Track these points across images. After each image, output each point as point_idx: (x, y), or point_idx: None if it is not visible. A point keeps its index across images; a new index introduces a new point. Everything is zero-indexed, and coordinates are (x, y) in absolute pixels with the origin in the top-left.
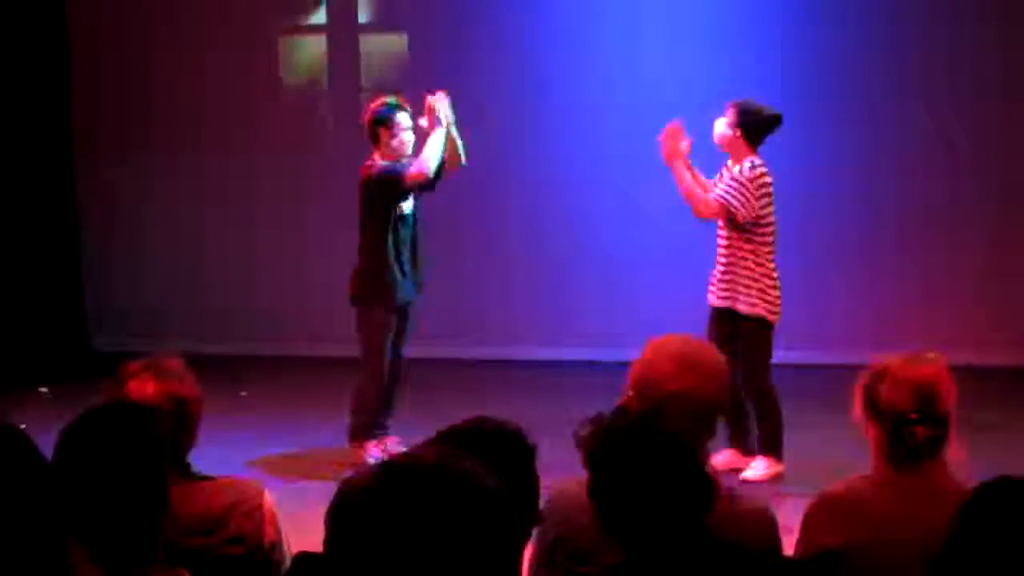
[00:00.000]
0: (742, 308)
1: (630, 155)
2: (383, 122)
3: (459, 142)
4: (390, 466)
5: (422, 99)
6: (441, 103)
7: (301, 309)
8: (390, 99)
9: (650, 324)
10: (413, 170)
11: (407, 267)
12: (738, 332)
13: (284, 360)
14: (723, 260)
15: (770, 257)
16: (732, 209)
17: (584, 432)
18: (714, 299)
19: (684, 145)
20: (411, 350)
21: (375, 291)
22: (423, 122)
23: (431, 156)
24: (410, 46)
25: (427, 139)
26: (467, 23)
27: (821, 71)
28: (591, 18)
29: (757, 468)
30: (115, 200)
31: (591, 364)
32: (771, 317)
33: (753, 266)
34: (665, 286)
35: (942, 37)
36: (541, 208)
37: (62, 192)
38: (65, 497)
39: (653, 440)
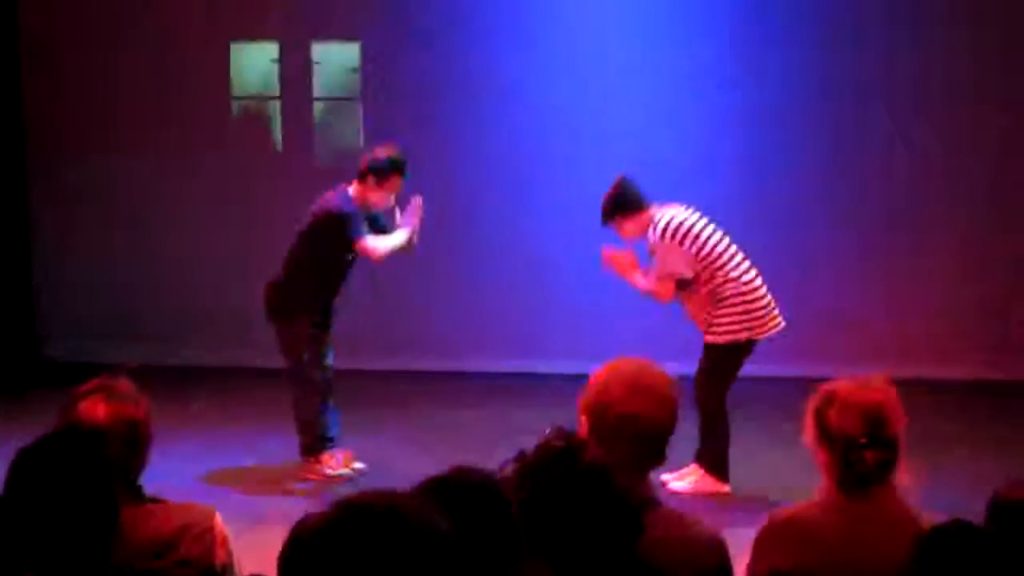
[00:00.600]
0: (709, 339)
1: (589, 164)
2: (379, 173)
3: (415, 239)
4: (342, 509)
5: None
6: (419, 209)
7: (257, 319)
8: (397, 156)
9: (615, 339)
10: (366, 244)
11: (332, 297)
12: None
13: (238, 371)
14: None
15: (737, 277)
16: (676, 274)
17: (507, 470)
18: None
19: (627, 259)
20: (378, 363)
21: (299, 305)
22: (399, 215)
23: (387, 249)
24: (362, 55)
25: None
26: (420, 33)
27: (782, 73)
28: (544, 27)
29: (686, 480)
30: (68, 207)
31: (553, 377)
32: (743, 335)
33: (719, 296)
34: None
35: (906, 39)
36: (505, 220)
37: (14, 198)
38: (17, 529)
39: (576, 477)
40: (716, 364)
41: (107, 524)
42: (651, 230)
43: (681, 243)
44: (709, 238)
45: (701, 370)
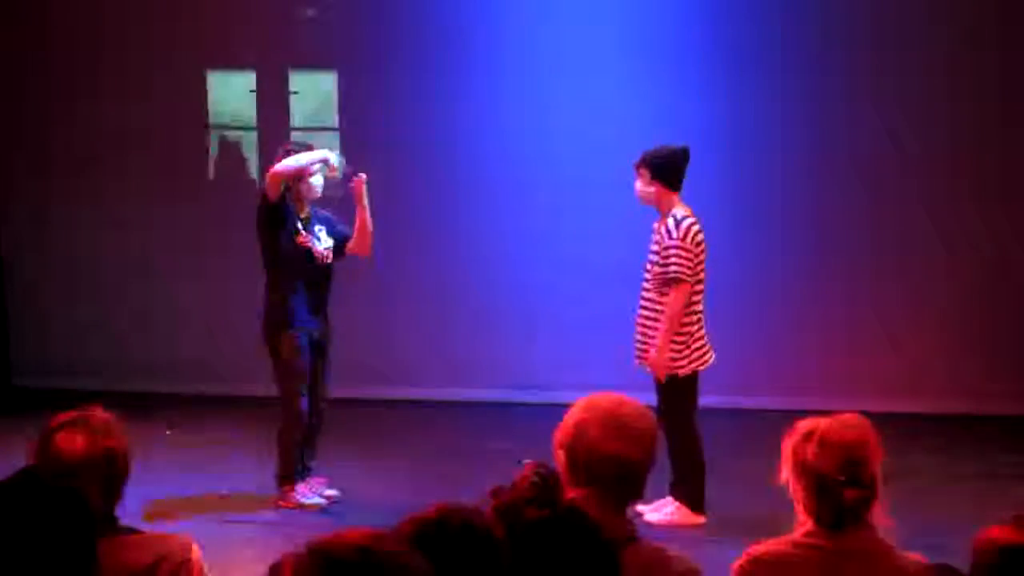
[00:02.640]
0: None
1: (560, 196)
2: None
3: (370, 229)
4: (319, 551)
5: (349, 178)
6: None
7: (224, 348)
8: (292, 145)
9: (572, 369)
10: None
11: (308, 306)
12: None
13: (206, 399)
14: (647, 317)
15: (694, 309)
16: (688, 275)
17: (485, 506)
18: (638, 362)
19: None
20: (351, 391)
21: (278, 325)
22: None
23: (293, 162)
24: (339, 84)
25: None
26: (395, 62)
27: (744, 114)
28: (518, 56)
29: (662, 511)
30: (40, 237)
31: (528, 407)
32: (687, 369)
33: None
34: (587, 330)
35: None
36: (479, 249)
37: None
38: None
39: (552, 517)
40: (666, 393)
41: (85, 564)
42: (669, 222)
43: (696, 252)
44: (703, 257)
45: (661, 400)
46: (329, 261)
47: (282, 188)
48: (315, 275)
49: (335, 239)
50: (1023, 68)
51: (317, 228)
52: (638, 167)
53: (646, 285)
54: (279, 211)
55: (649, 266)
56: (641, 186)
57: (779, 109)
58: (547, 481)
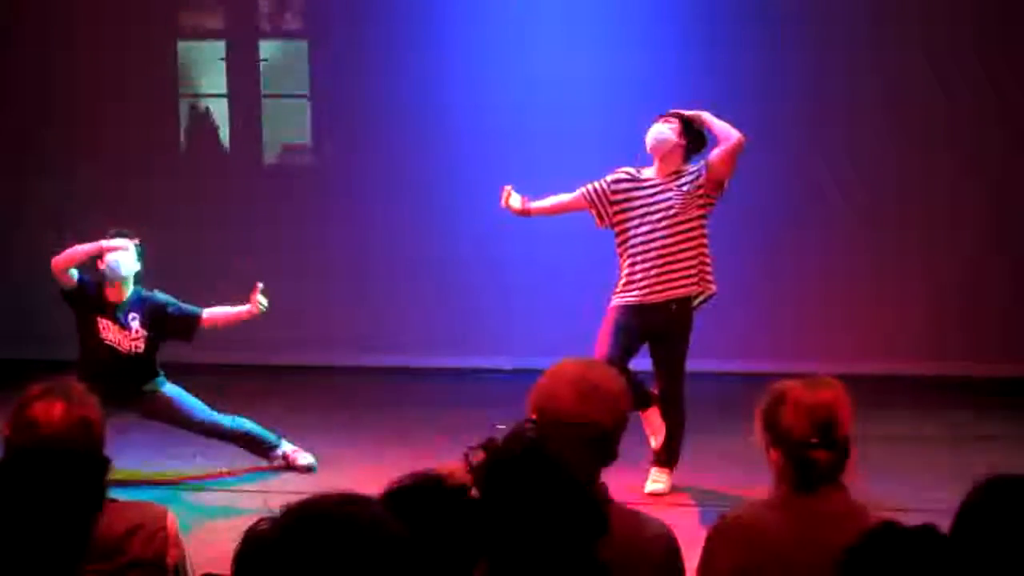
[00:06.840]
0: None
1: (529, 163)
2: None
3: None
4: (294, 513)
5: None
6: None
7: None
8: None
9: (565, 335)
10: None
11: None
12: None
13: (175, 366)
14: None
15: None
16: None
17: (475, 457)
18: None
19: None
20: (326, 359)
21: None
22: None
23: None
24: (309, 53)
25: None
26: (366, 31)
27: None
28: (491, 27)
29: (663, 481)
30: (9, 208)
31: (502, 373)
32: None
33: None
34: (575, 299)
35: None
36: (450, 217)
37: None
38: None
39: (543, 469)
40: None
41: (80, 538)
42: (688, 169)
43: None
44: None
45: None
46: (138, 351)
47: (74, 276)
48: (117, 366)
49: (157, 324)
50: None
51: (130, 317)
52: (673, 116)
53: (661, 235)
54: (73, 299)
55: (662, 215)
56: (669, 132)
57: (773, 85)
58: (541, 439)
